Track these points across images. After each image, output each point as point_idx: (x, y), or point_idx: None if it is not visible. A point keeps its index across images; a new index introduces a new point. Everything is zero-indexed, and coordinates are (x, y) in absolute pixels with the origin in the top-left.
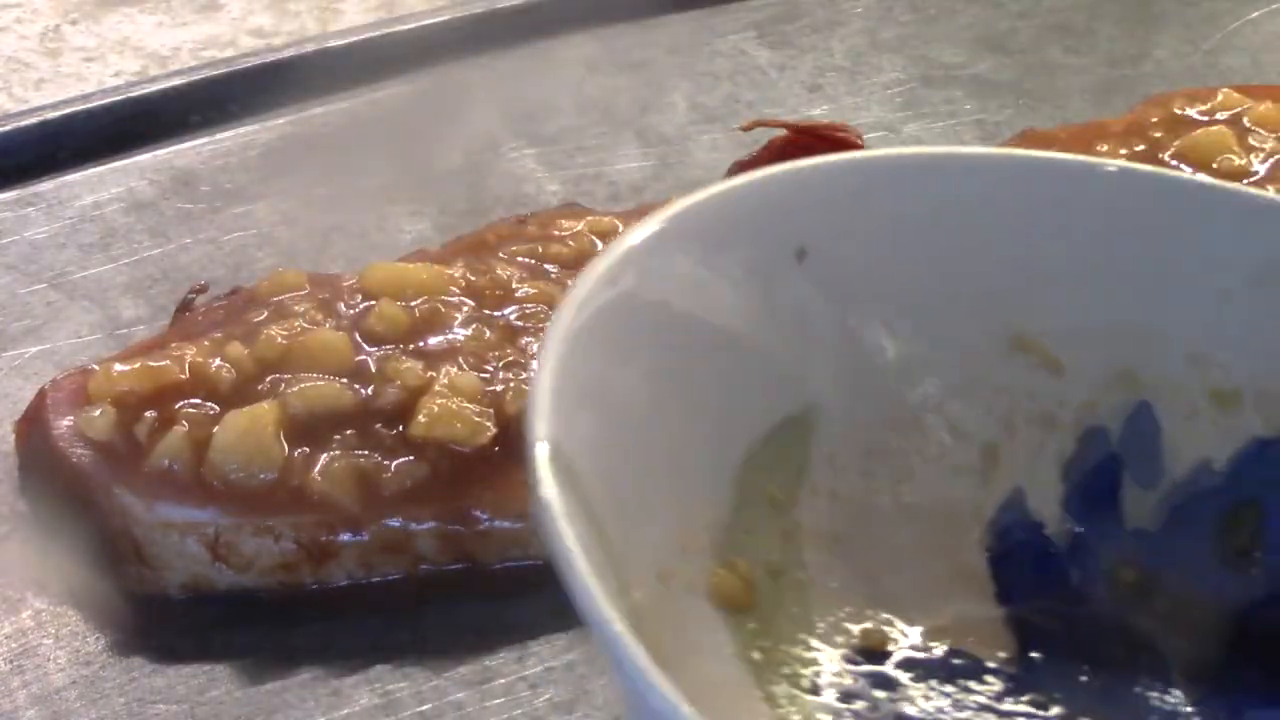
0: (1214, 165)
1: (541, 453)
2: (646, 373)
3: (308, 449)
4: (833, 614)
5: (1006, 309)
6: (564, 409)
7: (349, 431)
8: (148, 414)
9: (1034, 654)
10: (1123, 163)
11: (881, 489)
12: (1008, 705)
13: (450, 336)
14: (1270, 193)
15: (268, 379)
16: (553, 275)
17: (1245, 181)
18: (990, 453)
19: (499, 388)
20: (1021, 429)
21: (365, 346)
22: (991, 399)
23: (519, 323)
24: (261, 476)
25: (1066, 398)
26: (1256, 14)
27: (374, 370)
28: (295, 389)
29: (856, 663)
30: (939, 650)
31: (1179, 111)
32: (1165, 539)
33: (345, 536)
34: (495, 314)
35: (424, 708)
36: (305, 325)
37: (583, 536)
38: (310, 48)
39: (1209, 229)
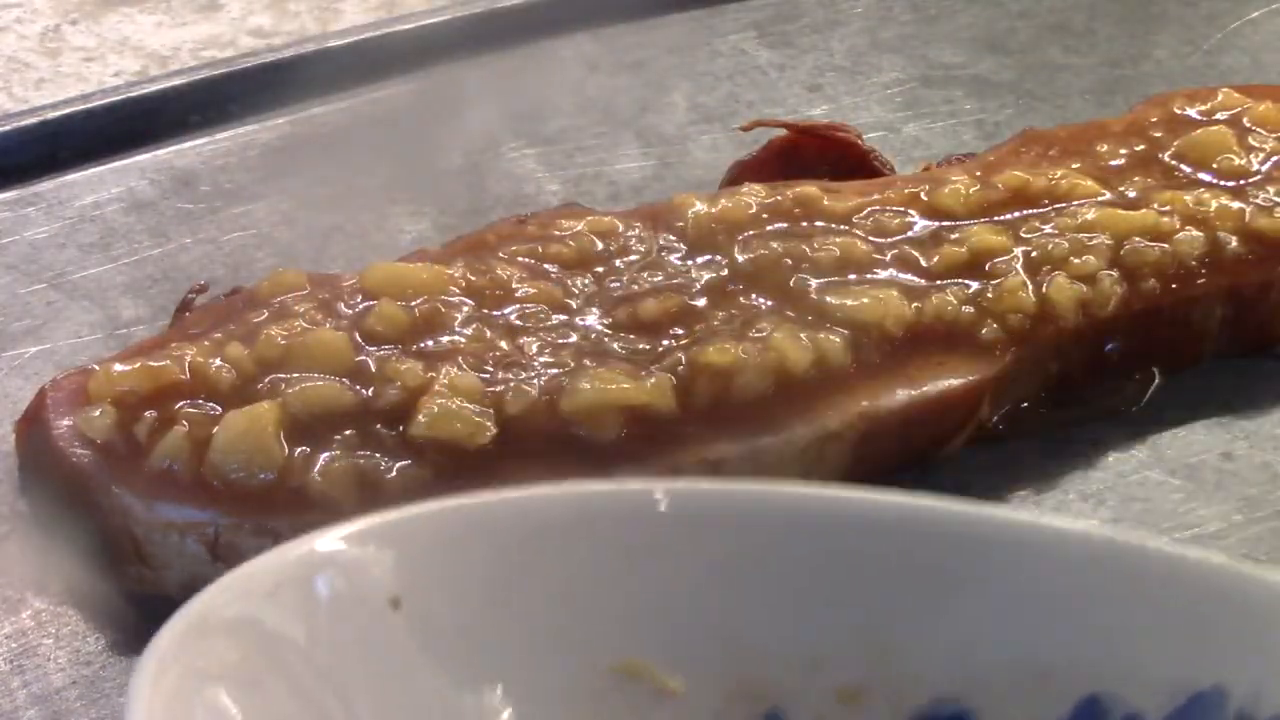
0: (1214, 165)
1: None
2: None
3: (308, 449)
4: None
5: (610, 638)
6: None
7: (349, 432)
8: (148, 414)
9: None
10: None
11: None
12: None
13: (450, 336)
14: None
15: (268, 379)
16: (553, 275)
17: (1244, 181)
18: None
19: (499, 388)
20: None
21: (365, 346)
22: None
23: (519, 323)
24: (261, 476)
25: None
26: (1256, 14)
27: (374, 370)
28: (295, 389)
29: None
30: None
31: (1179, 111)
32: None
33: None
34: (495, 314)
35: None
36: (305, 325)
37: None
38: (310, 48)
39: (810, 541)
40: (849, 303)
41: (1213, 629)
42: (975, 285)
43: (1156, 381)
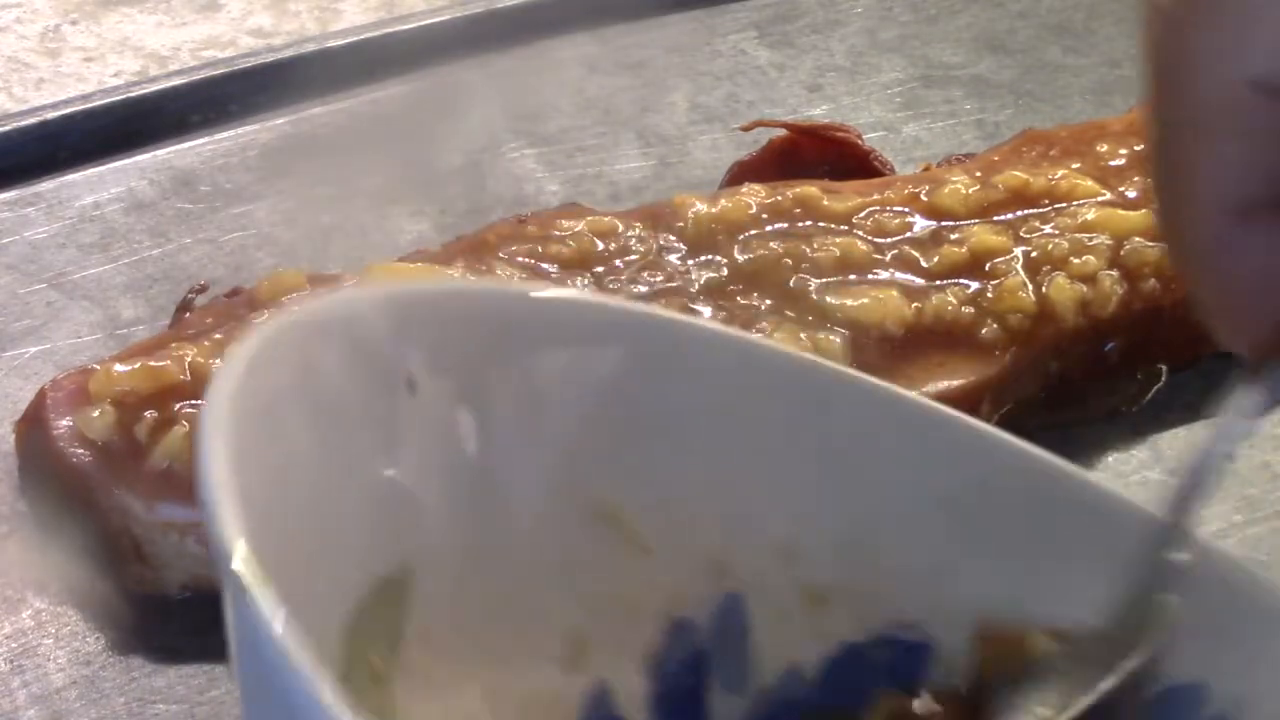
0: None
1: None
2: (290, 488)
3: None
4: None
5: (594, 474)
6: (242, 497)
7: None
8: (148, 414)
9: None
10: (757, 339)
11: (472, 675)
12: None
13: None
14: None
15: None
16: (553, 275)
17: None
18: (576, 641)
19: None
20: (607, 615)
21: None
22: (575, 576)
23: None
24: None
25: (655, 581)
26: None
27: None
28: None
29: None
30: None
31: None
32: None
33: None
34: None
35: None
36: None
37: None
38: (310, 48)
39: (807, 413)
40: (849, 303)
41: (1219, 628)
42: (975, 285)
43: (1157, 382)
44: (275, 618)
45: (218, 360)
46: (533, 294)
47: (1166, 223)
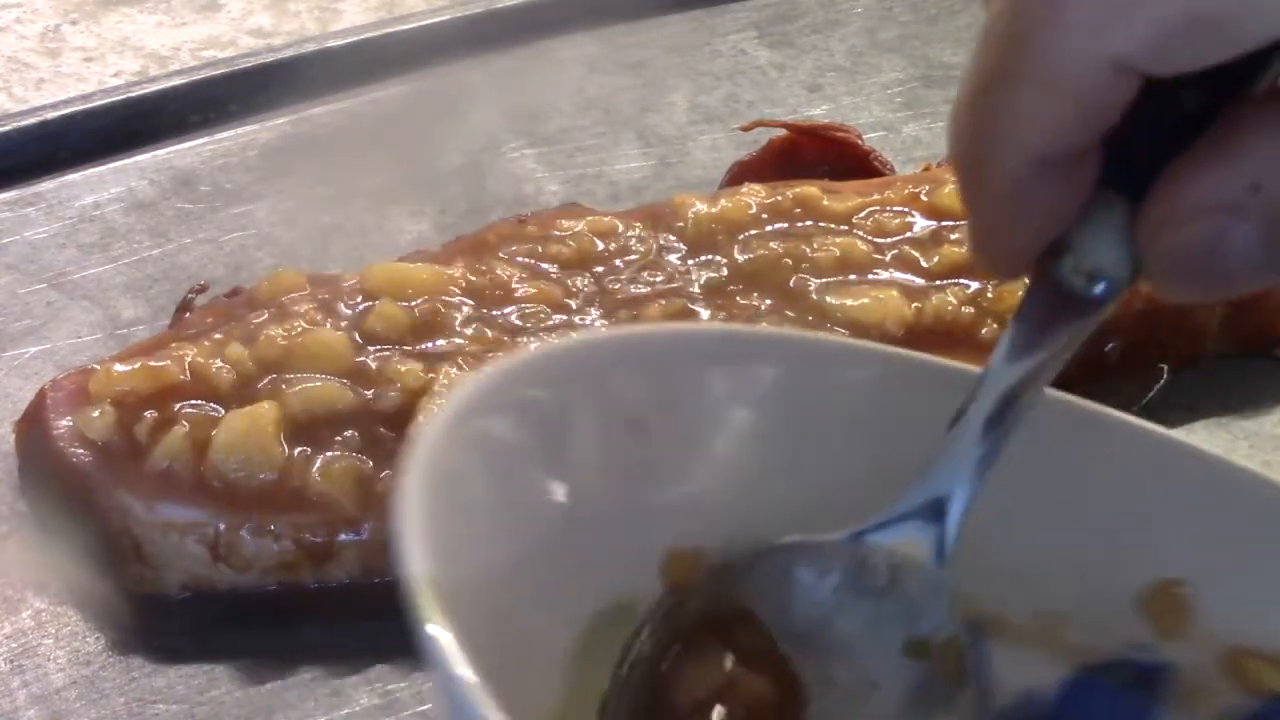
0: None
1: (426, 587)
2: (494, 530)
3: (308, 449)
4: None
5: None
6: (437, 544)
7: (349, 432)
8: (148, 414)
9: None
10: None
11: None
12: None
13: (450, 337)
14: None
15: (268, 379)
16: (553, 275)
17: None
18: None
19: None
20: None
21: (365, 347)
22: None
23: (519, 323)
24: (261, 477)
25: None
26: None
27: (374, 371)
28: (295, 389)
29: None
30: None
31: None
32: None
33: (345, 536)
34: (495, 314)
35: (424, 708)
36: (305, 326)
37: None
38: (310, 48)
39: (1044, 443)
40: (849, 303)
41: None
42: (975, 285)
43: (1157, 382)
44: (461, 666)
45: (218, 361)
46: (753, 332)
47: (969, 153)
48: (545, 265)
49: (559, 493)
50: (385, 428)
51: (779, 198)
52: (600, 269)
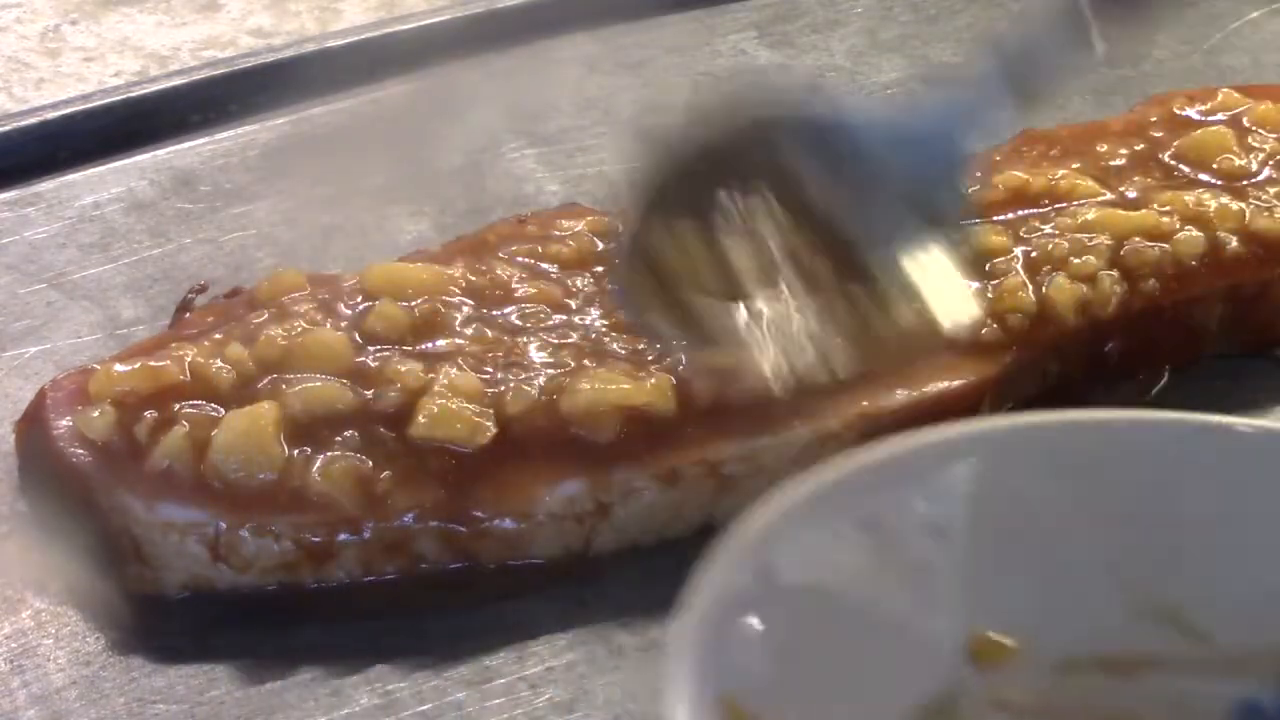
0: (1214, 165)
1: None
2: (780, 653)
3: (308, 449)
4: None
5: (1147, 578)
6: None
7: (349, 432)
8: (148, 414)
9: None
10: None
11: None
12: None
13: (450, 337)
14: None
15: (268, 379)
16: (553, 275)
17: (1244, 182)
18: None
19: (499, 388)
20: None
21: (365, 347)
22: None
23: (519, 323)
24: (261, 477)
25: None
26: (1256, 14)
27: (374, 371)
28: (295, 389)
29: None
30: None
31: (1179, 111)
32: None
33: (345, 536)
34: (495, 314)
35: (424, 708)
36: (305, 326)
37: None
38: (310, 48)
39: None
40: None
41: None
42: (975, 285)
43: (1157, 382)
44: None
45: (218, 361)
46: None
47: None
48: (545, 265)
49: (854, 611)
50: (385, 428)
51: None
52: (600, 269)
